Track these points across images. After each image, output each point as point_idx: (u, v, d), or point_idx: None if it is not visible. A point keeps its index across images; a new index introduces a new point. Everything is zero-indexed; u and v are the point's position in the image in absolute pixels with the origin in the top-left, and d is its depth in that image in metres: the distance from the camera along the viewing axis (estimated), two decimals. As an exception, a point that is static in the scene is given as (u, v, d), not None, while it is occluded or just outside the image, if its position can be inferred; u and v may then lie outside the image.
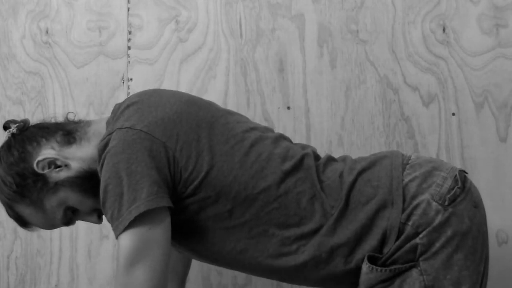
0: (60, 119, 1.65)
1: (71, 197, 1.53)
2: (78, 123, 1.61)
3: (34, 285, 2.13)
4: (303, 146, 1.57)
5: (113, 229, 1.40)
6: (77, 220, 1.61)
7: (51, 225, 1.59)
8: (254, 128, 1.54)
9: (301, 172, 1.47)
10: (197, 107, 1.51)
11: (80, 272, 2.11)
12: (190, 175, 1.43)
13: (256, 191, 1.45)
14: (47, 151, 1.53)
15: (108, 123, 1.54)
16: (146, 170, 1.39)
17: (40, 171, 1.52)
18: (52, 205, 1.54)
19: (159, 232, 1.39)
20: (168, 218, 1.41)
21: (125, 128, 1.43)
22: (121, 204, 1.38)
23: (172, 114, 1.46)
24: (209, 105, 1.55)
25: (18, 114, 2.14)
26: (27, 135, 1.57)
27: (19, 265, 2.13)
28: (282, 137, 1.56)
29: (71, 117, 1.64)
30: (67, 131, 1.57)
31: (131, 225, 1.37)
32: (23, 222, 1.59)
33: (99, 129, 1.56)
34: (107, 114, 1.63)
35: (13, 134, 1.58)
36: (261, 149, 1.48)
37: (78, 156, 1.54)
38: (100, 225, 2.06)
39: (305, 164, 1.49)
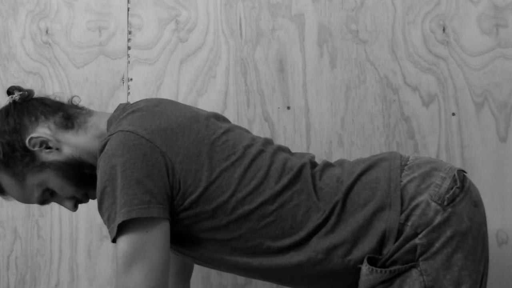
0: (64, 100, 1.64)
1: (53, 180, 1.53)
2: (81, 109, 1.61)
3: (34, 285, 2.13)
4: (301, 156, 1.56)
5: (109, 232, 1.40)
6: (53, 202, 1.61)
7: (26, 200, 1.59)
8: (255, 142, 1.53)
9: (298, 184, 1.47)
10: (199, 124, 1.49)
11: (80, 272, 2.11)
12: (188, 188, 1.43)
13: (253, 206, 1.44)
14: (43, 130, 1.53)
15: (109, 121, 1.54)
16: (142, 178, 1.38)
17: (30, 147, 1.52)
18: (33, 183, 1.54)
19: (156, 235, 1.38)
20: (165, 223, 1.40)
21: (127, 131, 1.42)
22: (116, 208, 1.37)
23: (175, 127, 1.46)
24: (212, 123, 1.52)
25: (18, 114, 2.14)
26: (28, 107, 1.57)
27: (19, 265, 2.13)
28: (280, 149, 1.55)
29: (75, 101, 1.64)
30: (68, 115, 1.56)
31: (127, 228, 1.37)
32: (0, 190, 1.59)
33: (98, 123, 1.56)
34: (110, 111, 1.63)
35: (14, 102, 1.58)
36: (260, 164, 1.47)
37: (72, 143, 1.54)
38: (100, 225, 2.08)
39: (303, 176, 1.48)
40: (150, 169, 1.39)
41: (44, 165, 1.52)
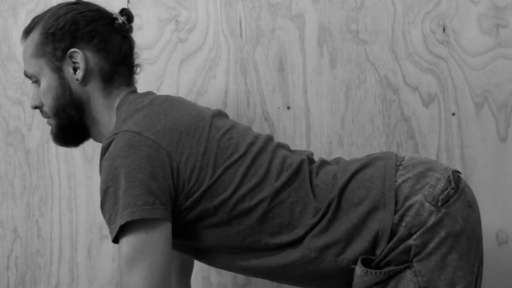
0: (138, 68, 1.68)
1: (48, 83, 1.56)
2: (130, 77, 1.63)
3: (34, 285, 2.13)
4: (300, 153, 1.57)
5: (110, 232, 1.40)
6: (31, 86, 1.63)
7: (24, 62, 1.61)
8: (258, 140, 1.53)
9: (297, 182, 1.47)
10: (205, 122, 1.50)
11: (80, 272, 2.11)
12: (192, 188, 1.43)
13: (253, 203, 1.45)
14: (89, 60, 1.55)
15: (118, 108, 1.54)
16: (146, 179, 1.38)
17: (67, 54, 1.54)
18: (39, 64, 1.56)
19: (157, 237, 1.38)
20: (167, 224, 1.40)
21: (132, 131, 1.42)
22: (118, 208, 1.38)
23: (180, 125, 1.46)
24: (216, 121, 1.53)
25: (18, 114, 2.14)
26: (111, 35, 1.58)
27: (19, 265, 2.14)
28: (280, 146, 1.56)
29: (137, 70, 1.67)
30: (119, 73, 1.58)
31: (128, 229, 1.37)
32: (24, 33, 1.63)
33: (116, 97, 1.57)
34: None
35: (113, 20, 1.59)
36: (261, 161, 1.48)
37: (92, 93, 1.56)
38: (100, 225, 2.08)
39: (301, 173, 1.49)
40: (155, 170, 1.39)
41: (57, 70, 1.55)
